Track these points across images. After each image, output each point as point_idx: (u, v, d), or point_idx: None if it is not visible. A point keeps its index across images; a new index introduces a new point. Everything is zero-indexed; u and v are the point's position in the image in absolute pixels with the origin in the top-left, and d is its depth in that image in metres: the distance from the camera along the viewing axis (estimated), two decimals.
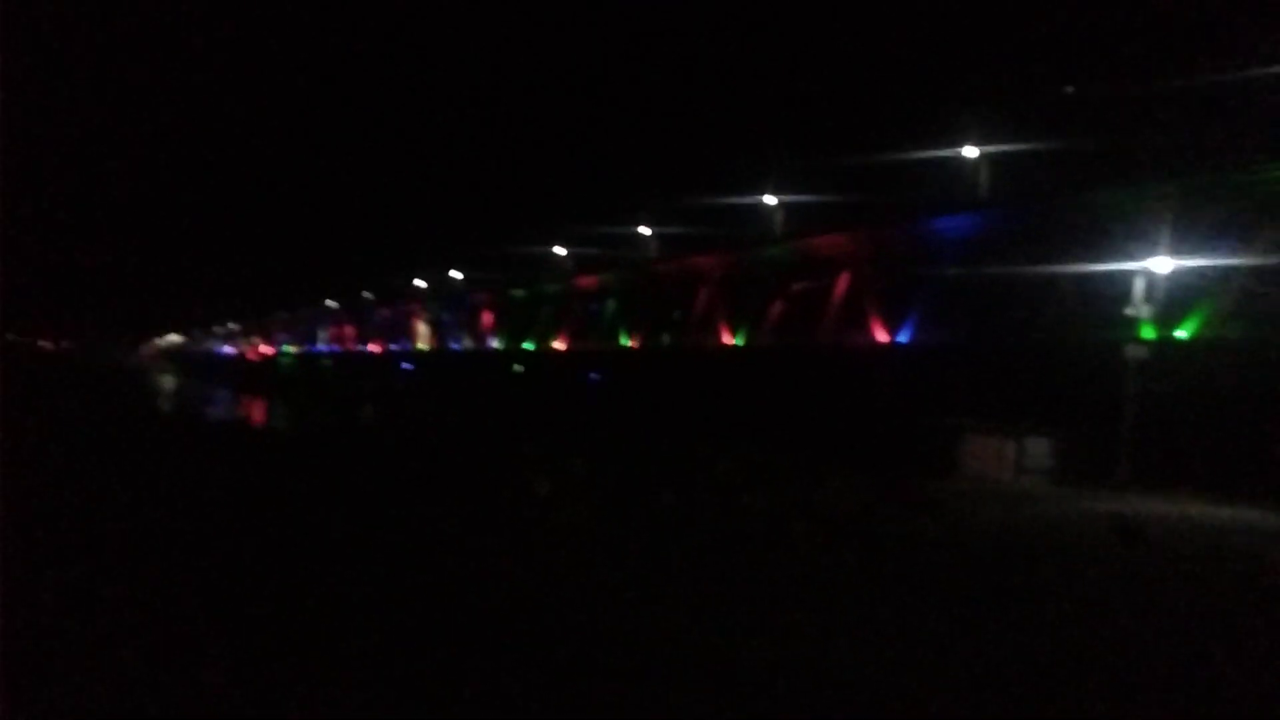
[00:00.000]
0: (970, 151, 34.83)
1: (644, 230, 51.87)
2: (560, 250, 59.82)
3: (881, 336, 37.66)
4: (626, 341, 51.99)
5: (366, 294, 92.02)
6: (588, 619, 10.99)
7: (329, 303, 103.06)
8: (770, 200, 43.56)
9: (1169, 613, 12.47)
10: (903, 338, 36.93)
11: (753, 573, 13.86)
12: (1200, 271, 29.01)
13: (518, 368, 61.64)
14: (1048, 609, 12.43)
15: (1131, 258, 29.50)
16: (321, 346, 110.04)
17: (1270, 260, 27.79)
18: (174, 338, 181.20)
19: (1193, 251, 28.78)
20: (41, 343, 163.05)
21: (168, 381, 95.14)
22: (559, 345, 58.69)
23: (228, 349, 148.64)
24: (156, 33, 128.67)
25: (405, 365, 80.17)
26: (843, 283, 39.94)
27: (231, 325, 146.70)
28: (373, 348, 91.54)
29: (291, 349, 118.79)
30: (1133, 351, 28.24)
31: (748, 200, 44.16)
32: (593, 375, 52.22)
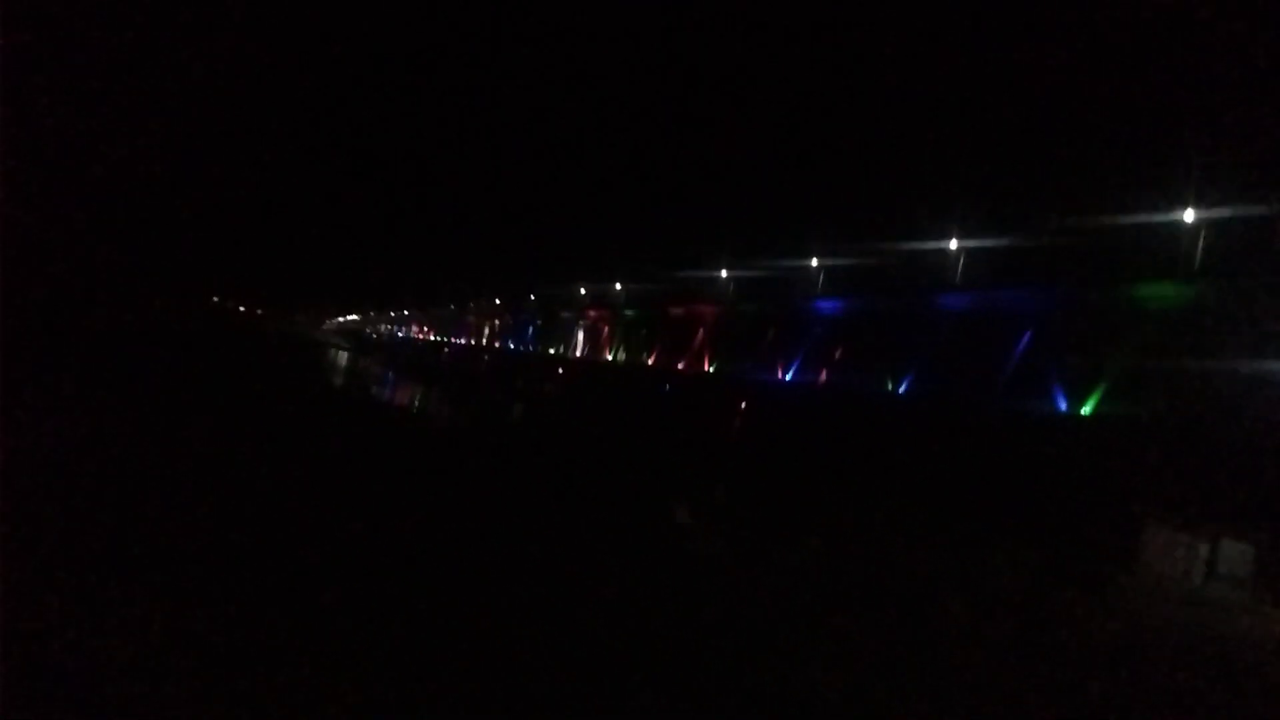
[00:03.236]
0: (1181, 217, 31.74)
1: (810, 263, 50.68)
2: (722, 273, 59.45)
3: (1062, 403, 34.82)
4: (782, 373, 50.77)
5: (532, 297, 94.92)
6: (704, 662, 10.26)
7: (495, 301, 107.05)
8: (953, 245, 41.41)
9: None
10: (1087, 409, 33.99)
11: (905, 646, 12.69)
12: None
13: (666, 386, 61.52)
14: None
15: None
16: (484, 341, 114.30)
17: None
18: (353, 317, 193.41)
19: None
20: (239, 307, 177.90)
21: (341, 357, 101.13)
22: (709, 369, 58.14)
23: (399, 333, 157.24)
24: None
25: (559, 369, 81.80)
26: (1025, 342, 37.28)
27: (405, 311, 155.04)
28: (530, 348, 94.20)
29: (455, 340, 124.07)
30: None
31: (926, 243, 42.18)
32: (744, 403, 51.26)
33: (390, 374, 79.10)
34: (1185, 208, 31.82)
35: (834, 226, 53.49)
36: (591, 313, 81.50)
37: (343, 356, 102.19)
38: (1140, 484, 28.13)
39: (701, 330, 60.77)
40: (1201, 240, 31.87)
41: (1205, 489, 26.86)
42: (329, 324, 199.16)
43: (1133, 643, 15.81)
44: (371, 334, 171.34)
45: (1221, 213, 31.27)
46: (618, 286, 76.58)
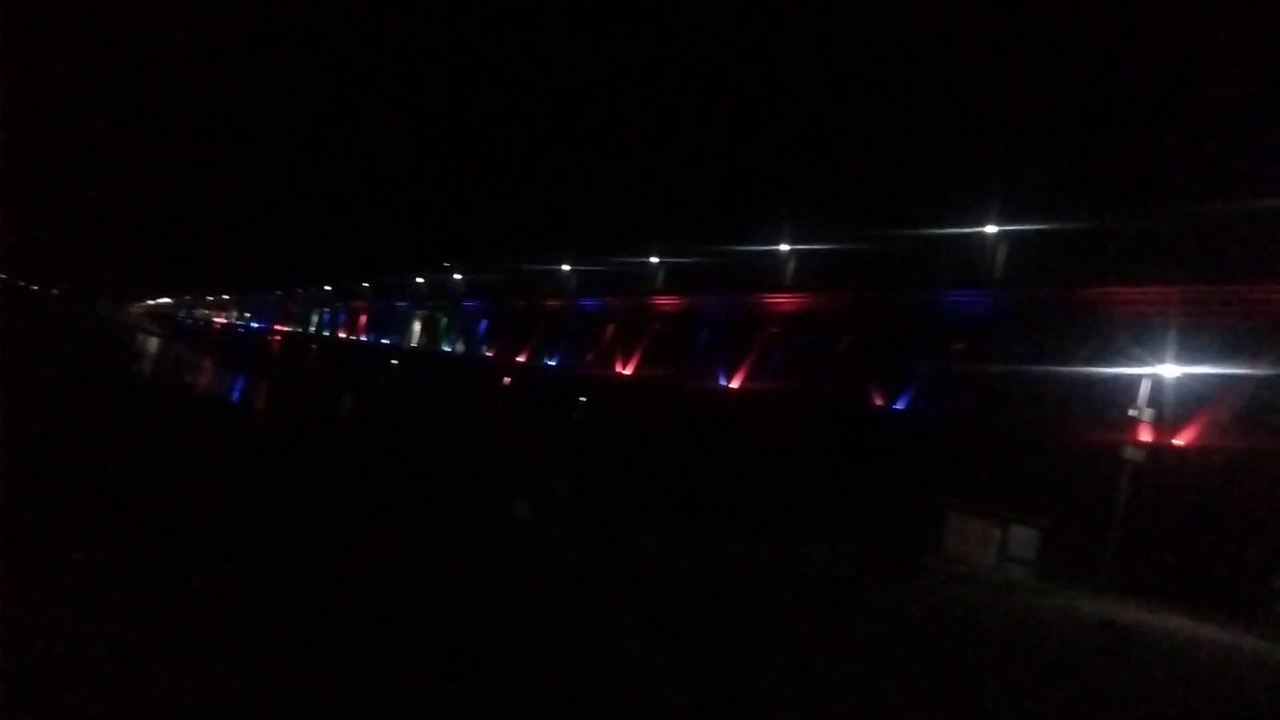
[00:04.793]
0: (991, 230, 34.83)
1: (653, 260, 51.82)
2: (565, 267, 59.79)
3: (878, 400, 37.38)
4: (622, 369, 51.59)
5: (365, 284, 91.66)
6: (550, 665, 10.45)
7: (325, 288, 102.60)
8: (784, 249, 43.51)
9: None
10: (899, 404, 36.67)
11: (732, 629, 13.43)
12: (1205, 380, 28.96)
13: (506, 380, 61.12)
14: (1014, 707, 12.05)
15: (1139, 359, 29.41)
16: (311, 330, 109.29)
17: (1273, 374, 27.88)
18: (164, 300, 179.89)
19: (1200, 360, 28.73)
20: (31, 285, 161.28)
21: (150, 343, 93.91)
22: (551, 363, 58.27)
23: (217, 319, 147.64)
24: None
25: (393, 361, 79.45)
26: (847, 342, 39.73)
27: (224, 296, 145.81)
28: (362, 338, 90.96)
29: (279, 328, 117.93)
30: (1129, 454, 28.03)
31: (761, 246, 44.14)
32: (583, 398, 51.71)
33: (206, 362, 74.20)
34: (989, 222, 34.93)
35: (676, 225, 54.99)
36: (429, 303, 79.71)
37: (152, 343, 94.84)
38: (945, 476, 30.72)
39: (544, 324, 60.75)
40: (1001, 251, 35.09)
41: (1000, 480, 29.69)
42: (137, 307, 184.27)
43: (931, 620, 17.35)
44: (186, 319, 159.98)
45: (1022, 226, 34.55)
46: (457, 277, 75.29)
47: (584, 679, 10.03)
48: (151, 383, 47.23)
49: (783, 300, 43.42)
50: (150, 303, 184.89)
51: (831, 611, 15.92)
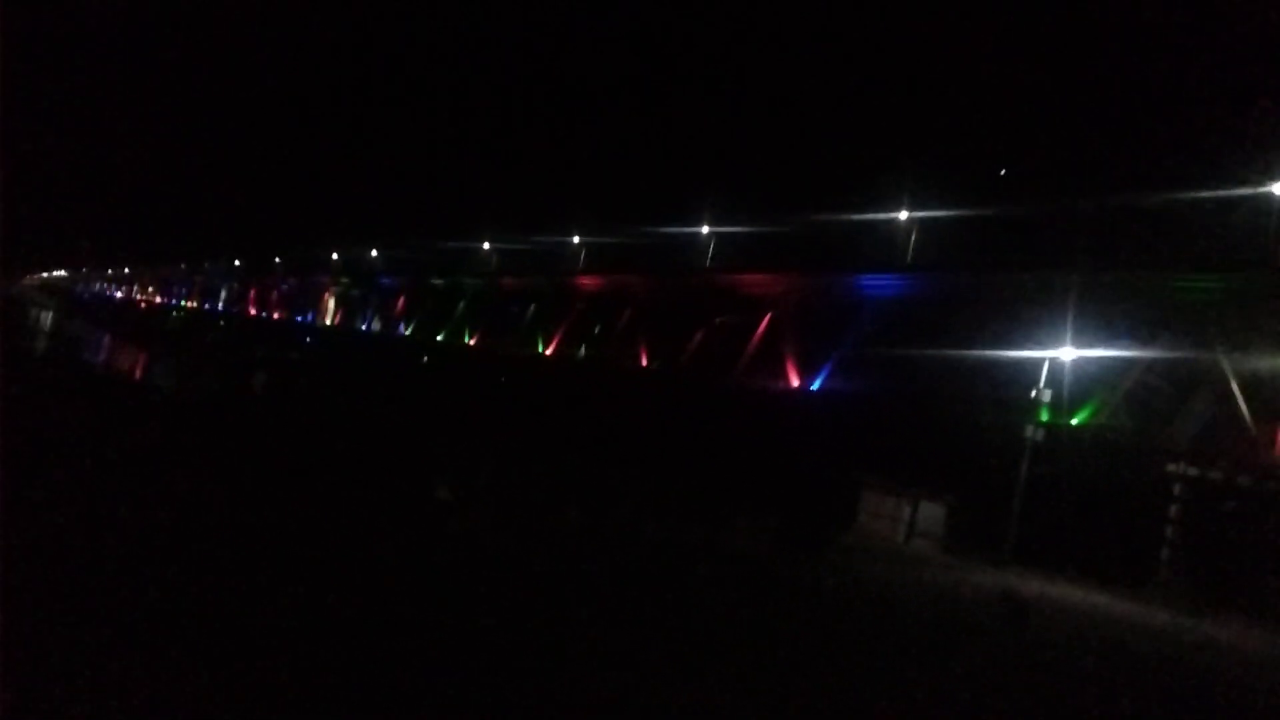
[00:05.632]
0: (905, 215, 35.89)
1: (572, 240, 51.71)
2: (485, 246, 59.13)
3: (794, 381, 38.25)
4: (543, 349, 51.45)
5: (276, 259, 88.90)
6: (468, 643, 10.51)
7: (235, 263, 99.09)
8: (704, 230, 43.96)
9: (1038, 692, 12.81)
10: (814, 385, 37.60)
11: (649, 608, 13.70)
12: (1100, 363, 30.59)
13: (425, 359, 60.26)
14: (921, 673, 12.64)
15: (1042, 343, 30.81)
16: (219, 306, 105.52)
17: (1161, 357, 29.72)
18: (60, 273, 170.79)
19: (1097, 344, 30.30)
20: None
21: (43, 317, 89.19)
22: (471, 342, 57.69)
23: (117, 293, 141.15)
24: None
25: (307, 338, 77.45)
26: (764, 323, 40.46)
27: (125, 270, 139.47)
28: (275, 315, 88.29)
29: (186, 303, 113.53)
30: (1030, 434, 29.41)
31: (683, 228, 44.50)
32: (503, 378, 51.39)
33: (106, 338, 70.94)
34: (903, 208, 35.96)
35: (599, 204, 54.88)
36: (344, 280, 77.83)
37: (45, 317, 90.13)
38: (858, 454, 31.71)
39: (462, 302, 60.04)
40: (914, 237, 36.20)
41: (909, 457, 30.81)
42: (28, 280, 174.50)
43: (841, 595, 18.03)
44: (83, 293, 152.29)
45: (936, 213, 35.68)
46: (373, 254, 73.71)
47: (507, 662, 10.10)
48: (46, 361, 44.95)
49: (700, 281, 43.95)
50: (45, 275, 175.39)
51: (745, 589, 16.37)
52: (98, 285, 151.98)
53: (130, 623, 9.28)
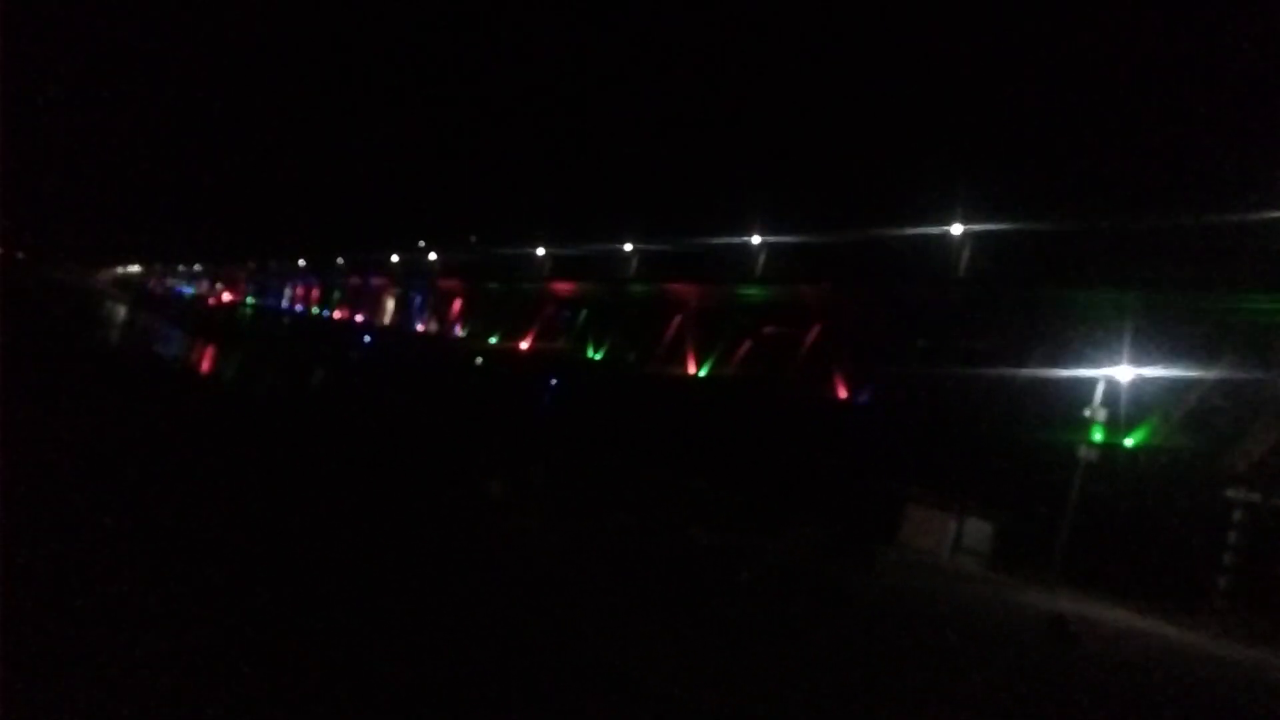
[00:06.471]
0: (958, 229, 35.61)
1: (624, 247, 52.20)
2: (539, 251, 59.94)
3: (843, 393, 38.17)
4: (594, 353, 52.03)
5: (339, 260, 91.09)
6: (522, 643, 10.72)
7: (300, 261, 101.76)
8: (756, 240, 44.09)
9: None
10: (863, 397, 37.50)
11: (693, 612, 13.89)
12: (1157, 383, 29.97)
13: (479, 359, 61.23)
14: (968, 694, 12.63)
15: (1096, 361, 30.32)
16: (282, 303, 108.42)
17: (1224, 379, 28.96)
18: (134, 268, 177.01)
19: (1153, 362, 29.69)
20: None
21: (119, 310, 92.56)
22: (525, 345, 58.53)
23: (187, 289, 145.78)
24: None
25: (365, 337, 79.21)
26: (814, 334, 40.45)
27: (196, 266, 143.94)
28: (337, 314, 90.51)
29: (251, 300, 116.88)
30: (1083, 453, 28.94)
31: (735, 238, 44.69)
32: (555, 381, 52.07)
33: (177, 332, 73.40)
34: (957, 220, 35.66)
35: (653, 212, 55.35)
36: (405, 281, 79.46)
37: (120, 310, 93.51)
38: (905, 467, 31.55)
39: (518, 305, 60.93)
40: (968, 250, 35.88)
41: (958, 472, 30.55)
42: (105, 274, 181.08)
43: (883, 608, 18.02)
44: (155, 288, 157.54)
45: (989, 226, 35.30)
46: (432, 256, 75.12)
47: (558, 663, 10.28)
48: (119, 353, 46.77)
49: (753, 291, 44.08)
50: (119, 271, 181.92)
51: (787, 597, 16.51)
52: (169, 280, 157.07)
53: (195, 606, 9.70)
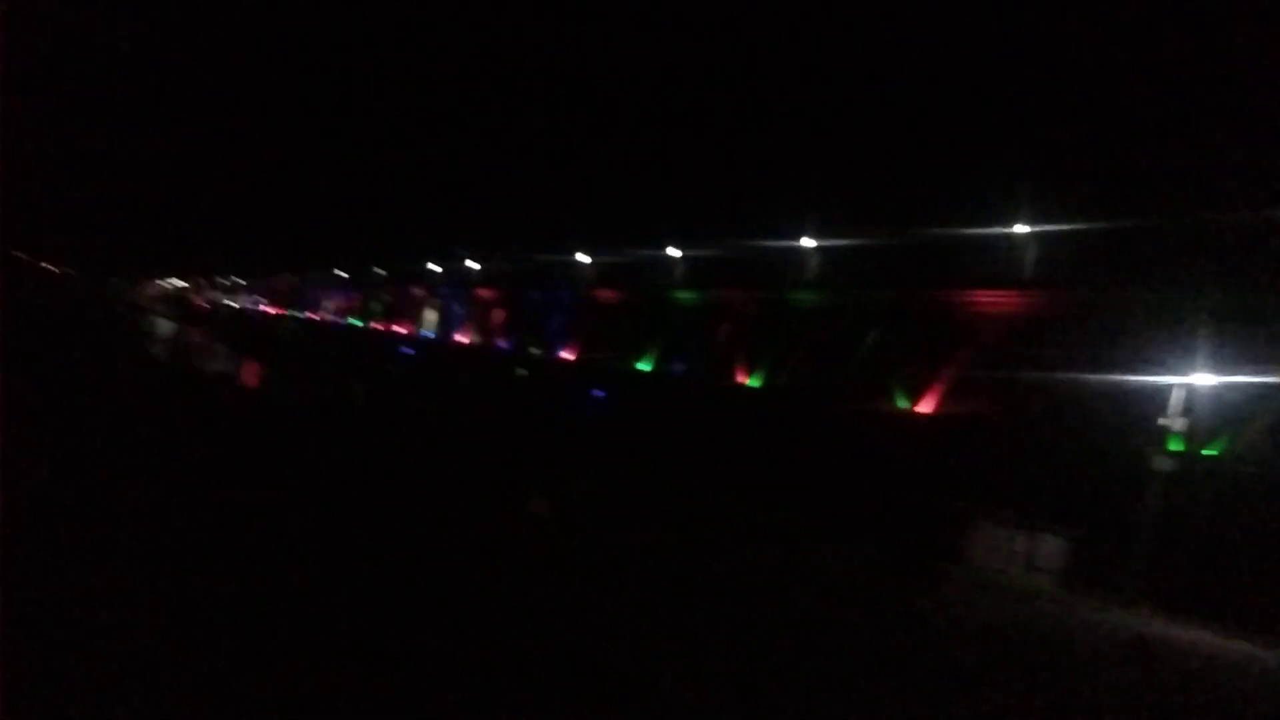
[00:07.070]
0: (1021, 230, 34.04)
1: (671, 253, 51.19)
2: (583, 258, 59.17)
3: (902, 403, 36.72)
4: (640, 363, 51.05)
5: (378, 270, 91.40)
6: (554, 654, 10.16)
7: (338, 272, 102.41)
8: (807, 244, 42.80)
9: None
10: (925, 407, 36.01)
11: (744, 635, 13.02)
12: (1239, 389, 28.27)
13: (522, 371, 60.59)
14: None
15: (1172, 367, 28.67)
16: (326, 316, 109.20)
17: None
18: (177, 282, 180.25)
19: (1234, 368, 28.00)
20: (44, 265, 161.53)
21: (164, 326, 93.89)
22: (568, 354, 57.75)
23: (230, 302, 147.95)
24: None
25: (405, 349, 79.08)
26: (871, 341, 39.06)
27: (236, 279, 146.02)
28: (374, 325, 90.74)
29: (292, 313, 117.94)
30: (1159, 464, 27.36)
31: (784, 242, 43.43)
32: (599, 391, 51.18)
33: (220, 347, 74.01)
34: (1019, 221, 34.16)
35: (694, 217, 54.38)
36: (443, 290, 79.32)
37: (164, 326, 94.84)
38: (970, 481, 30.10)
39: (560, 315, 60.25)
40: (1032, 252, 34.30)
41: (1027, 485, 29.07)
42: (149, 288, 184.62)
43: (958, 631, 16.83)
44: (199, 302, 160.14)
45: (1054, 227, 33.70)
46: (472, 265, 74.75)
47: (607, 682, 9.73)
48: (163, 366, 47.02)
49: (807, 296, 42.75)
50: (163, 285, 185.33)
51: (844, 616, 15.52)
52: (212, 294, 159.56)
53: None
